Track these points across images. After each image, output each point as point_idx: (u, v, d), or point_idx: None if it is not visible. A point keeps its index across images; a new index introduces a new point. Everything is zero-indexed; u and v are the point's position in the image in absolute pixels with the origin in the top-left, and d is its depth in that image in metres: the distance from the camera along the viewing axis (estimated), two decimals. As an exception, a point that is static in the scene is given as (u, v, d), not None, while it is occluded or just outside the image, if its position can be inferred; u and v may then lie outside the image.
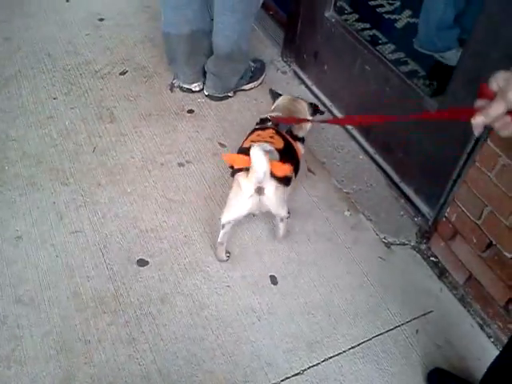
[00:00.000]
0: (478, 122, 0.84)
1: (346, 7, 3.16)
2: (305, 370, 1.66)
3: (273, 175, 1.68)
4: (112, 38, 3.01)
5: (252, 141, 1.83)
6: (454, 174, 1.92)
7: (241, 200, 1.73)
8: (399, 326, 1.81)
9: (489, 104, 0.82)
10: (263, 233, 2.06)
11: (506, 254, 1.67)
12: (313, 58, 2.79)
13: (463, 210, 1.83)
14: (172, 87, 2.73)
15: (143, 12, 3.25)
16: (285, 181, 1.74)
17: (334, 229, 2.11)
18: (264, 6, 3.38)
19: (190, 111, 2.60)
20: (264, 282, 1.89)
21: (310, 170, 2.34)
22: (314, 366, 1.67)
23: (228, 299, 1.83)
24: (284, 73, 2.95)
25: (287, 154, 1.80)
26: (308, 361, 1.68)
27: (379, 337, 1.77)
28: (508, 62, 1.59)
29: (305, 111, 2.12)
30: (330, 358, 1.70)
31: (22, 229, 1.97)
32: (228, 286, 1.87)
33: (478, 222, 1.78)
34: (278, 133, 1.88)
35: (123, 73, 2.78)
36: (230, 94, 2.72)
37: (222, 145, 2.43)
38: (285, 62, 3.00)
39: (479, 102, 0.87)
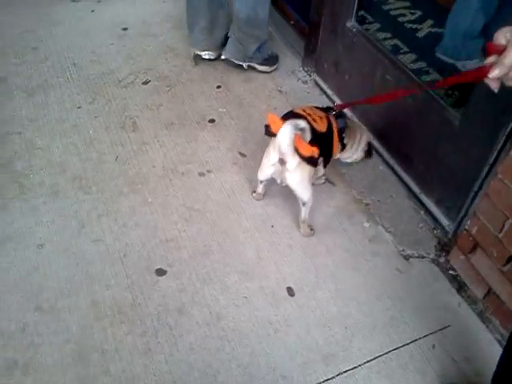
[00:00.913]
0: (493, 74, 0.86)
1: (368, 17, 3.15)
2: (319, 383, 1.65)
3: (298, 152, 1.83)
4: (135, 48, 3.06)
5: (303, 110, 1.97)
6: (476, 185, 1.90)
7: (266, 164, 1.97)
8: (416, 340, 1.79)
9: (501, 55, 0.84)
10: (281, 243, 2.07)
11: (528, 270, 1.64)
12: (334, 67, 2.79)
13: (484, 223, 1.81)
14: (195, 59, 2.95)
15: (166, 22, 3.30)
16: (309, 160, 1.87)
17: (352, 240, 2.10)
18: (285, 16, 3.41)
19: (212, 121, 2.63)
20: (281, 294, 1.90)
21: (329, 181, 2.33)
22: (329, 379, 1.66)
23: (245, 310, 1.84)
24: (305, 82, 2.95)
25: (323, 141, 1.94)
26: (323, 374, 1.68)
27: (395, 351, 1.75)
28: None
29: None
30: (345, 371, 1.69)
31: (45, 236, 2.02)
32: (245, 297, 1.88)
33: (499, 235, 1.75)
34: (329, 119, 1.99)
35: (146, 82, 2.83)
36: (244, 66, 2.89)
37: (242, 154, 2.45)
38: (305, 71, 3.00)
39: (490, 59, 0.89)
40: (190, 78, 2.88)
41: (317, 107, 2.07)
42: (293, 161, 1.86)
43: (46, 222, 2.07)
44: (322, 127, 1.93)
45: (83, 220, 2.09)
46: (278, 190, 2.28)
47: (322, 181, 2.32)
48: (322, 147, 1.91)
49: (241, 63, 2.88)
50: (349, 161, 2.29)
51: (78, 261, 1.95)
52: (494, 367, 1.69)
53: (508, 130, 1.73)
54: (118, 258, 1.97)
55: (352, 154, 2.23)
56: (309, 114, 1.94)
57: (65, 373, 1.64)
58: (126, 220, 2.11)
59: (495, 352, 1.76)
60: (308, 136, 1.86)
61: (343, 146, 2.14)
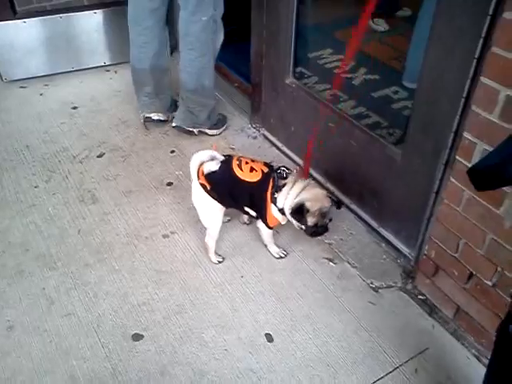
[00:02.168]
0: None
1: (305, 71, 3.37)
2: (311, 425, 1.65)
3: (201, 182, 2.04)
4: (87, 124, 3.14)
5: (245, 158, 2.11)
6: (426, 213, 2.03)
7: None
8: (398, 367, 1.82)
9: None
10: (253, 292, 2.10)
11: (487, 282, 1.74)
12: (279, 121, 2.95)
13: (440, 246, 1.91)
14: (145, 123, 3.08)
15: (115, 96, 3.41)
16: (209, 192, 2.04)
17: (321, 280, 2.16)
18: (229, 80, 3.60)
19: (169, 184, 2.69)
20: (260, 341, 1.91)
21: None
22: (319, 419, 1.67)
23: (227, 363, 1.83)
24: (255, 138, 3.09)
25: (255, 189, 2.03)
26: (313, 415, 1.68)
27: (380, 381, 1.78)
28: (456, 107, 1.75)
29: None
30: (333, 409, 1.70)
31: (13, 318, 1.97)
32: (225, 350, 1.88)
33: (455, 255, 1.85)
34: (268, 172, 2.05)
35: (100, 155, 2.88)
36: (195, 132, 3.00)
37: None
38: (254, 128, 3.15)
39: None
40: (143, 147, 2.96)
41: (268, 164, 2.13)
42: (193, 183, 2.09)
43: (13, 303, 2.03)
44: (247, 175, 2.01)
45: (52, 296, 2.06)
46: (244, 240, 2.35)
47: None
48: (224, 188, 2.05)
49: (191, 129, 2.99)
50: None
51: (50, 338, 1.90)
52: (475, 381, 1.76)
53: (445, 158, 1.88)
54: (91, 330, 1.93)
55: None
56: (246, 162, 2.05)
57: None
58: (96, 290, 2.09)
59: (474, 368, 1.84)
60: (212, 167, 2.02)
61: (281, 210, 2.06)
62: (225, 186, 2.05)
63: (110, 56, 3.68)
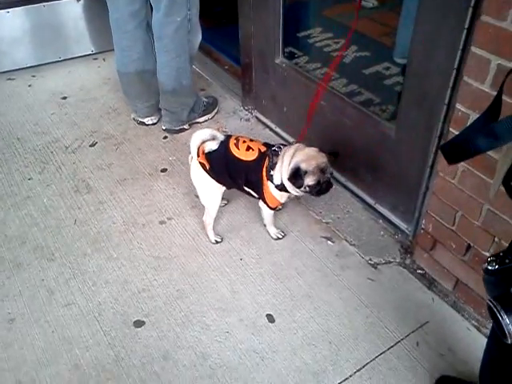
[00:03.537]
0: None
1: (296, 51, 3.34)
2: (315, 402, 1.67)
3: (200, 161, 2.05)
4: (77, 114, 3.11)
5: (242, 137, 2.11)
6: (422, 187, 2.03)
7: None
8: (399, 341, 1.84)
9: None
10: (253, 274, 2.10)
11: (485, 253, 1.75)
12: (271, 102, 2.93)
13: (437, 220, 1.92)
14: (139, 124, 3.03)
15: (104, 84, 3.38)
16: (208, 171, 2.05)
17: (320, 259, 2.16)
18: (219, 62, 3.57)
19: (164, 170, 2.68)
20: (261, 322, 1.92)
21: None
22: (323, 397, 1.68)
23: (229, 345, 1.84)
24: (247, 120, 3.07)
25: (251, 168, 2.02)
26: (317, 393, 1.69)
27: (382, 355, 1.79)
28: (447, 79, 1.73)
29: None
30: (335, 387, 1.72)
31: (14, 311, 1.97)
32: (227, 332, 1.88)
33: (452, 227, 1.86)
34: (266, 151, 2.03)
35: (93, 144, 2.86)
36: (185, 127, 2.97)
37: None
38: (246, 110, 3.13)
39: None
40: (135, 134, 2.94)
41: (267, 143, 2.11)
42: (193, 161, 2.08)
43: (13, 295, 2.02)
44: (243, 154, 2.01)
45: (51, 287, 2.06)
46: (242, 223, 2.34)
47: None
48: (222, 167, 2.04)
49: (181, 127, 2.95)
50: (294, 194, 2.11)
51: (52, 328, 1.90)
52: (476, 354, 1.77)
53: (439, 131, 1.88)
54: (93, 318, 1.94)
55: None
56: (243, 141, 2.05)
57: None
58: (95, 279, 2.09)
59: (474, 338, 1.85)
60: (212, 146, 2.02)
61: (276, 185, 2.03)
62: (222, 165, 2.04)
63: (97, 44, 3.64)
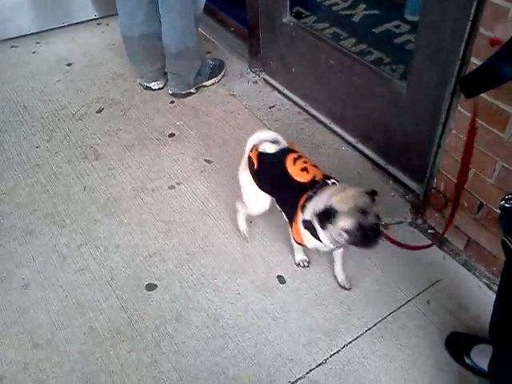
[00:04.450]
0: None
1: (303, 11, 3.25)
2: (327, 359, 1.69)
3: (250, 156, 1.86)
4: (83, 80, 3.07)
5: (305, 158, 1.82)
6: (434, 145, 1.99)
7: None
8: (410, 300, 1.84)
9: None
10: (263, 236, 2.10)
11: (498, 210, 1.72)
12: (279, 63, 2.87)
13: (449, 178, 1.89)
14: (145, 89, 2.98)
15: (109, 50, 3.33)
16: (253, 171, 1.85)
17: (330, 221, 2.15)
18: (225, 24, 3.49)
19: (171, 135, 2.66)
20: (273, 283, 1.93)
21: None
22: (336, 353, 1.70)
23: (241, 306, 1.86)
24: (255, 83, 3.02)
25: (294, 189, 1.72)
26: (329, 350, 1.71)
27: (393, 314, 1.80)
28: (462, 32, 1.67)
29: None
30: (350, 342, 1.73)
31: (28, 276, 1.99)
32: (238, 294, 1.90)
33: (465, 186, 1.83)
34: (319, 180, 1.70)
35: (100, 111, 2.84)
36: (192, 91, 2.92)
37: (208, 161, 2.48)
38: (253, 72, 3.07)
39: None
40: (142, 99, 2.91)
41: (328, 176, 1.76)
42: (243, 158, 1.91)
43: (27, 262, 2.04)
44: (295, 172, 1.73)
45: (63, 253, 2.07)
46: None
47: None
48: (268, 171, 1.80)
49: (188, 91, 2.91)
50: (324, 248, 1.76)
51: (66, 293, 1.93)
52: (487, 310, 1.77)
53: (452, 87, 1.82)
54: (105, 283, 1.96)
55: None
56: (304, 161, 1.77)
57: (74, 403, 1.62)
58: (106, 244, 2.10)
59: (485, 295, 1.85)
60: (269, 148, 1.80)
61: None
62: (270, 172, 1.80)
63: (100, 8, 3.57)
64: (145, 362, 1.70)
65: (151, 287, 1.94)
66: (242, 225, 2.08)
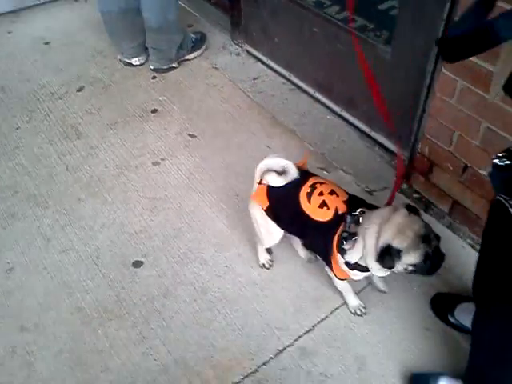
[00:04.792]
0: None
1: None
2: (315, 325, 1.69)
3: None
4: (62, 59, 3.00)
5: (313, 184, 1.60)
6: (419, 110, 1.96)
7: None
8: (397, 265, 1.83)
9: None
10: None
11: (482, 172, 1.71)
12: (262, 34, 2.81)
13: (434, 142, 1.87)
14: (126, 65, 2.92)
15: (87, 27, 3.24)
16: (265, 210, 1.64)
17: (316, 190, 2.13)
18: (204, -4, 3.40)
19: (154, 111, 2.61)
20: (260, 255, 1.92)
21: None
22: (323, 319, 1.70)
23: (228, 278, 1.85)
24: (238, 55, 2.96)
25: (319, 231, 1.54)
26: (316, 317, 1.71)
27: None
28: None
29: None
30: (337, 308, 1.73)
31: (13, 260, 1.97)
32: (226, 266, 1.89)
33: (450, 149, 1.81)
34: (344, 213, 1.50)
35: (80, 89, 2.78)
36: (174, 65, 2.86)
37: (191, 136, 2.45)
38: (236, 44, 3.01)
39: None
40: (123, 76, 2.85)
41: (350, 199, 1.56)
42: (250, 197, 1.69)
43: (10, 245, 2.02)
44: (313, 211, 1.52)
45: (47, 234, 2.05)
46: (237, 159, 2.30)
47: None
48: (282, 211, 1.60)
49: (170, 66, 2.85)
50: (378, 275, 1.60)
51: (51, 274, 1.91)
52: (470, 270, 1.77)
53: (436, 49, 1.78)
54: (91, 262, 1.94)
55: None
56: (320, 193, 1.54)
57: (65, 382, 1.61)
58: (91, 224, 2.08)
59: (469, 256, 1.85)
60: (275, 181, 1.58)
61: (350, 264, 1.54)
62: (286, 212, 1.61)
63: (76, -16, 3.47)
64: (133, 339, 1.70)
65: (138, 264, 1.92)
66: (262, 258, 1.87)
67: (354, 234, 1.45)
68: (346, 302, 1.73)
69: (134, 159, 2.35)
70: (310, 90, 2.60)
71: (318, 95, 2.56)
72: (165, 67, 2.84)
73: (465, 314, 1.61)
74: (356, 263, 1.50)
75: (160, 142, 2.43)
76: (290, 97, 2.62)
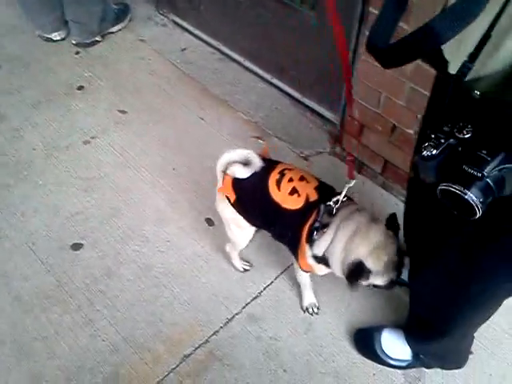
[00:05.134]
0: None
1: None
2: (261, 291, 1.73)
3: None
4: (-27, 37, 2.80)
5: (293, 169, 1.52)
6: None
7: None
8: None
9: None
10: (187, 182, 2.07)
11: (409, 131, 1.78)
12: (187, 3, 2.74)
13: (363, 104, 1.92)
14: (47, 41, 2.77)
15: (-2, 1, 3.03)
16: (232, 204, 1.53)
17: (253, 159, 2.15)
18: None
19: (80, 88, 2.51)
20: (201, 227, 1.92)
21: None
22: (269, 285, 1.75)
23: (172, 253, 1.85)
24: (164, 25, 2.88)
25: (288, 220, 1.44)
26: (262, 282, 1.75)
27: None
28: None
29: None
30: (282, 273, 1.78)
31: None
32: (168, 241, 1.88)
33: (378, 110, 1.87)
34: (316, 201, 1.41)
35: (-3, 69, 2.62)
36: (97, 39, 2.75)
37: (122, 111, 2.38)
38: (161, 14, 2.93)
39: None
40: (44, 52, 2.71)
41: (321, 186, 1.47)
42: (218, 190, 1.58)
43: None
44: (283, 198, 1.42)
45: (-24, 225, 1.96)
46: (170, 133, 2.27)
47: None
48: (251, 202, 1.50)
49: (93, 39, 2.73)
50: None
51: (-15, 265, 1.83)
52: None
53: (359, 12, 1.82)
54: (27, 249, 1.87)
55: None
56: (289, 179, 1.45)
57: (10, 374, 1.57)
58: (23, 209, 2.00)
59: (402, 211, 1.93)
60: (241, 173, 1.47)
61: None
62: (253, 202, 1.50)
63: (-18, -46, 3.21)
64: (79, 323, 1.67)
65: (77, 247, 1.88)
66: (238, 264, 1.79)
67: (326, 225, 1.38)
68: (301, 297, 1.70)
69: (63, 139, 2.26)
70: (240, 59, 2.59)
71: (247, 64, 2.55)
72: (88, 41, 2.72)
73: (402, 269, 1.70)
74: (322, 257, 1.41)
75: (89, 119, 2.35)
76: (219, 67, 2.60)
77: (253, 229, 1.61)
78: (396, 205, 1.97)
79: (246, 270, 1.80)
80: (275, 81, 2.45)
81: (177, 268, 1.80)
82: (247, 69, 2.56)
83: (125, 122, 2.33)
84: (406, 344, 1.54)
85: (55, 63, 2.65)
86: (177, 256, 1.84)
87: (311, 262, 1.45)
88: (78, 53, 2.71)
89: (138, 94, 2.46)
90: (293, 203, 1.41)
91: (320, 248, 1.39)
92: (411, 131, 1.78)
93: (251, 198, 1.49)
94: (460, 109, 0.84)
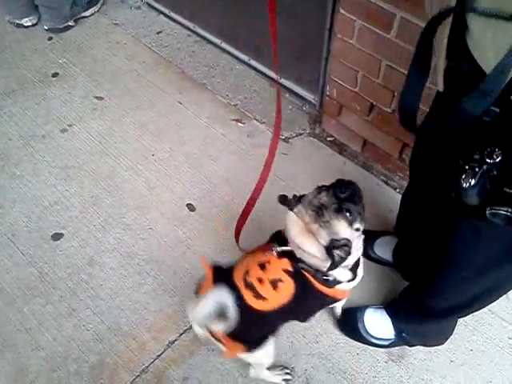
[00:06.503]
0: None
1: None
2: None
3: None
4: None
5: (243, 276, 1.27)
6: (323, 53, 1.99)
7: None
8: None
9: None
10: (167, 167, 2.06)
11: (387, 109, 1.79)
12: (160, -17, 2.69)
13: (341, 84, 1.91)
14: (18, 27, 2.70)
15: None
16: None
17: (233, 142, 2.14)
18: None
19: (55, 75, 2.46)
20: (182, 213, 1.92)
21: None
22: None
23: (154, 240, 1.84)
24: (138, 8, 2.83)
25: (294, 305, 1.25)
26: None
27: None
28: None
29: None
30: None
31: None
32: (150, 228, 1.87)
33: (355, 89, 1.87)
34: (292, 267, 1.23)
35: (-33, 58, 2.55)
36: (70, 24, 2.69)
37: (98, 98, 2.34)
38: (135, -4, 2.87)
39: None
40: (15, 39, 2.64)
41: (280, 252, 1.25)
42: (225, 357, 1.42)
43: None
44: (272, 300, 1.23)
45: (-46, 218, 1.92)
46: (149, 117, 2.24)
47: None
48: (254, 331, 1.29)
49: (66, 24, 2.66)
50: None
51: (-36, 259, 1.81)
52: (386, 205, 1.88)
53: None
54: (6, 240, 1.85)
55: None
56: (259, 279, 1.24)
57: (-6, 366, 1.57)
58: (1, 201, 1.97)
59: (384, 192, 1.95)
60: (226, 327, 1.20)
61: None
62: (253, 328, 1.29)
63: None
64: (62, 313, 1.66)
65: (57, 237, 1.86)
66: (277, 378, 1.53)
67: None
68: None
69: (39, 128, 2.22)
70: (217, 41, 2.55)
71: (224, 45, 2.52)
72: (60, 26, 2.66)
73: (383, 247, 1.72)
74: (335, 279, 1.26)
75: (65, 107, 2.31)
76: (196, 49, 2.56)
77: (272, 339, 1.36)
78: (377, 185, 1.98)
79: (287, 380, 1.54)
80: (252, 62, 2.42)
81: (160, 255, 1.80)
82: (224, 50, 2.52)
83: (102, 108, 2.29)
84: (389, 323, 1.56)
85: (28, 50, 2.59)
86: (159, 243, 1.83)
87: (341, 287, 1.29)
88: (50, 39, 2.65)
89: (115, 80, 2.42)
90: (285, 293, 1.23)
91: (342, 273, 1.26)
92: (389, 110, 1.78)
93: (248, 327, 1.25)
94: (481, 135, 0.86)
